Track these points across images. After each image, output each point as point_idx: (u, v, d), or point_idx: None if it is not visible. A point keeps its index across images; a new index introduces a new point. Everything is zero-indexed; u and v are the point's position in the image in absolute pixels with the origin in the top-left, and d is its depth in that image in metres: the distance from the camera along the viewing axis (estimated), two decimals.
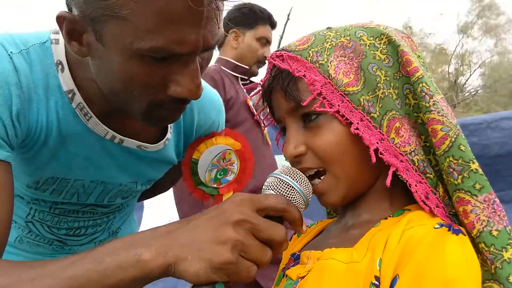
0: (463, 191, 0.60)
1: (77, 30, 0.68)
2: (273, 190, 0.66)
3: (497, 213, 0.60)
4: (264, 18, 2.17)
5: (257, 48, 2.16)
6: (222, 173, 1.04)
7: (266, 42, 2.19)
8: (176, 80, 0.69)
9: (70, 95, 0.78)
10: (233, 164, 1.05)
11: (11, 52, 0.73)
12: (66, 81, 0.78)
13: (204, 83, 0.99)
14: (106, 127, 0.82)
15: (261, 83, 0.76)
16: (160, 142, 0.92)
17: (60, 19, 0.68)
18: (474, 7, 21.45)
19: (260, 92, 0.77)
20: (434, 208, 0.63)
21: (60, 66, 0.78)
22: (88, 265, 0.59)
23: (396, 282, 0.55)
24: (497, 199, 0.61)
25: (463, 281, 0.53)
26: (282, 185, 0.65)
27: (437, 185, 0.65)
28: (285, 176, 0.66)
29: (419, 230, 0.59)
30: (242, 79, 2.21)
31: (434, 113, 0.63)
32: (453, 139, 0.62)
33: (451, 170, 0.61)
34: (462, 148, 0.61)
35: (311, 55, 0.68)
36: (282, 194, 0.65)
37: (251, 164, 1.04)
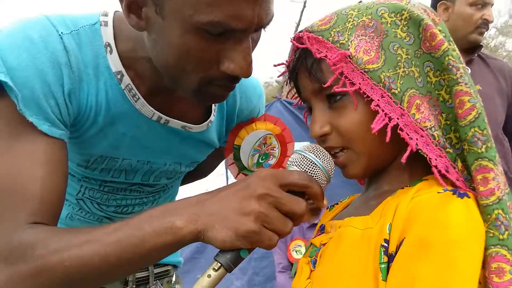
0: (487, 159, 0.62)
1: (137, 3, 0.72)
2: (297, 166, 0.70)
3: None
4: None
5: (472, 14, 1.97)
6: (264, 157, 1.08)
7: (483, 4, 1.98)
8: (229, 57, 0.72)
9: (119, 76, 0.83)
10: (274, 149, 1.08)
11: (61, 33, 0.78)
12: (114, 62, 0.83)
13: None
14: (153, 108, 0.88)
15: (287, 63, 0.78)
16: (204, 123, 0.97)
17: None
18: None
19: (287, 72, 0.80)
20: (455, 181, 0.64)
21: (108, 48, 0.82)
22: (128, 231, 0.66)
23: (402, 243, 0.58)
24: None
25: (466, 240, 0.55)
26: (305, 161, 0.69)
27: (456, 160, 0.66)
28: (308, 153, 0.70)
29: (425, 196, 0.61)
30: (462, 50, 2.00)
31: (462, 85, 0.64)
32: (479, 110, 0.63)
33: (476, 139, 0.62)
34: (486, 121, 0.63)
35: (333, 35, 0.70)
36: (305, 170, 0.69)
37: (291, 147, 1.07)
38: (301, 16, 5.24)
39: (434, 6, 2.03)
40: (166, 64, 0.77)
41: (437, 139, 0.66)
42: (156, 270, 1.16)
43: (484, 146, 0.62)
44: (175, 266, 1.25)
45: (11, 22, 0.79)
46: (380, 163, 0.73)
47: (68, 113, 0.80)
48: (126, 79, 0.84)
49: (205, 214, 0.64)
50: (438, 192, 0.61)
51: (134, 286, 1.10)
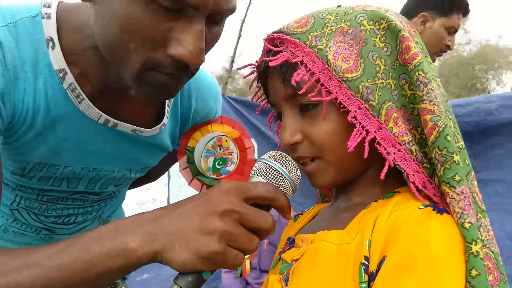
0: (444, 183, 0.60)
1: None
2: (261, 176, 0.65)
3: (472, 206, 0.59)
4: (461, 7, 1.98)
5: (444, 37, 1.99)
6: (221, 162, 1.02)
7: (454, 31, 2.02)
8: (178, 39, 0.63)
9: (61, 75, 0.74)
10: (232, 154, 1.02)
11: None
12: (57, 59, 0.74)
13: (201, 70, 0.96)
14: (99, 110, 0.79)
15: (256, 64, 0.73)
16: (156, 126, 0.89)
17: None
18: None
19: (254, 73, 0.74)
20: (432, 196, 0.63)
21: (51, 43, 0.73)
22: (74, 254, 0.58)
23: (384, 261, 0.56)
24: (476, 192, 0.62)
25: (448, 257, 0.54)
26: (271, 171, 0.64)
27: (433, 175, 0.64)
28: (274, 162, 0.65)
29: (404, 211, 0.59)
30: None
31: (426, 103, 0.62)
32: (440, 129, 0.61)
33: (436, 161, 0.61)
34: (448, 138, 0.60)
35: (310, 39, 0.66)
36: (270, 180, 0.64)
37: (251, 152, 1.02)
38: (246, 12, 5.20)
39: (413, 13, 2.02)
40: (109, 41, 0.66)
41: (414, 154, 0.64)
42: None
43: (442, 169, 0.60)
44: (124, 278, 1.16)
45: None
46: (351, 175, 0.70)
47: (1, 116, 0.70)
48: (69, 78, 0.75)
49: (162, 233, 0.58)
50: (419, 208, 0.59)
51: None
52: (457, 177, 0.59)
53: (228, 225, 0.57)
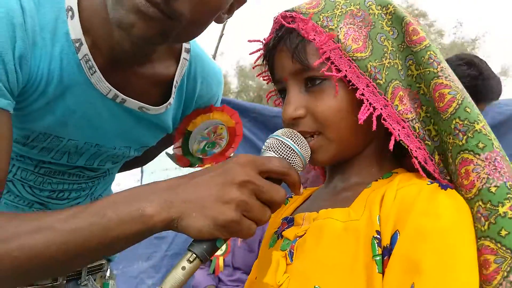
0: (467, 151, 0.63)
1: None
2: (273, 151, 0.67)
3: (498, 170, 0.62)
4: (492, 98, 1.93)
5: None
6: (210, 145, 1.05)
7: None
8: None
9: (77, 45, 0.75)
10: (223, 139, 1.05)
11: None
12: (75, 29, 0.75)
13: (205, 54, 0.99)
14: (109, 84, 0.80)
15: (264, 41, 0.76)
16: (163, 105, 0.90)
17: None
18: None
19: (261, 50, 0.77)
20: (432, 172, 0.66)
21: (70, 13, 0.75)
22: (89, 219, 0.59)
23: (397, 236, 0.58)
24: (499, 156, 0.63)
25: (459, 228, 0.58)
26: (283, 147, 0.67)
27: (434, 153, 0.68)
28: (287, 138, 0.67)
29: (412, 188, 0.62)
30: None
31: (442, 78, 0.65)
32: (459, 101, 0.64)
33: (457, 131, 0.64)
34: (468, 110, 0.64)
35: (322, 19, 0.69)
36: (282, 156, 0.66)
37: (239, 139, 1.06)
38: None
39: None
40: None
41: (417, 131, 0.68)
42: (90, 264, 1.06)
43: (464, 138, 0.63)
44: (109, 260, 1.15)
45: None
46: (349, 152, 0.72)
47: (16, 81, 0.70)
48: (85, 48, 0.76)
49: (179, 200, 0.59)
50: (427, 184, 0.63)
51: (65, 281, 1.00)
52: (480, 144, 0.62)
53: (245, 195, 0.59)
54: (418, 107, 0.69)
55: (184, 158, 1.05)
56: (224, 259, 2.67)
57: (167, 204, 0.59)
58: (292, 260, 0.68)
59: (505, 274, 0.57)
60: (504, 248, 0.58)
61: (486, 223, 0.60)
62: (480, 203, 0.61)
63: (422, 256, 0.55)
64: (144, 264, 3.27)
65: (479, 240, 0.60)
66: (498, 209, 0.59)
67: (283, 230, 0.74)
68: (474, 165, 0.62)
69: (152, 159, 1.30)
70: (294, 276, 0.65)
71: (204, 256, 0.60)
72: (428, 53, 0.67)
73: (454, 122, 0.64)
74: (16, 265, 0.58)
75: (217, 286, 2.66)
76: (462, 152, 0.63)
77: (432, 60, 0.66)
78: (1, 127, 0.68)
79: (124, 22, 0.67)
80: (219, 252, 2.66)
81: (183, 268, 0.59)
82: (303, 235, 0.69)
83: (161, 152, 1.26)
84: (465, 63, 1.88)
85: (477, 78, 1.87)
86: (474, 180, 0.61)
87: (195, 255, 0.60)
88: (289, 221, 0.75)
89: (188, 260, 0.60)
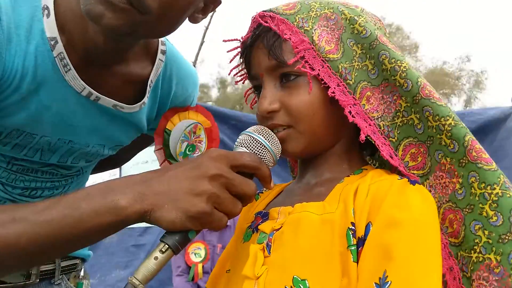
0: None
1: None
2: (245, 147, 0.70)
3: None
4: None
5: None
6: (191, 149, 1.06)
7: None
8: None
9: (52, 43, 0.77)
10: (201, 142, 1.06)
11: None
12: (50, 27, 0.76)
13: (180, 56, 1.01)
14: (84, 82, 0.81)
15: (241, 39, 0.79)
16: (137, 104, 0.91)
17: None
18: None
19: (238, 48, 0.80)
20: (398, 166, 0.71)
21: (46, 11, 0.76)
22: (63, 211, 0.60)
23: (370, 227, 0.62)
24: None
25: (426, 218, 0.63)
26: (254, 143, 0.70)
27: (397, 149, 0.72)
28: (258, 135, 0.71)
29: (384, 183, 0.67)
30: None
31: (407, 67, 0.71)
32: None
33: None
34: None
35: (297, 20, 0.73)
36: (253, 151, 0.69)
37: (216, 145, 1.07)
38: (210, 19, 5.30)
39: None
40: None
41: (382, 128, 0.72)
42: (63, 264, 1.06)
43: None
44: (83, 260, 1.15)
45: None
46: (319, 146, 0.76)
47: None
48: (59, 47, 0.77)
49: (152, 193, 0.61)
50: (398, 179, 0.67)
51: (38, 280, 0.99)
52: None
53: (216, 188, 0.61)
54: (398, 99, 0.72)
55: (167, 161, 1.05)
56: (203, 266, 2.66)
57: (140, 196, 0.61)
58: (270, 252, 0.70)
59: (465, 227, 0.65)
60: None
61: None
62: (503, 176, 0.65)
63: (393, 243, 0.59)
64: (121, 273, 3.25)
65: (443, 205, 0.68)
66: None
67: (259, 224, 0.76)
68: None
69: (128, 161, 1.30)
70: (273, 268, 0.67)
71: (176, 247, 0.62)
72: (405, 60, 0.72)
73: (451, 112, 0.68)
74: None
75: None
76: (469, 134, 0.68)
77: (410, 66, 0.71)
78: None
79: (93, 12, 0.68)
80: (198, 259, 2.66)
81: (156, 258, 0.61)
82: (280, 228, 0.71)
83: (136, 154, 1.27)
84: None
85: None
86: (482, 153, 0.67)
87: (167, 246, 0.62)
88: (263, 216, 0.78)
89: (161, 250, 0.62)
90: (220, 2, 0.84)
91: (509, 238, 0.61)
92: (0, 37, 0.71)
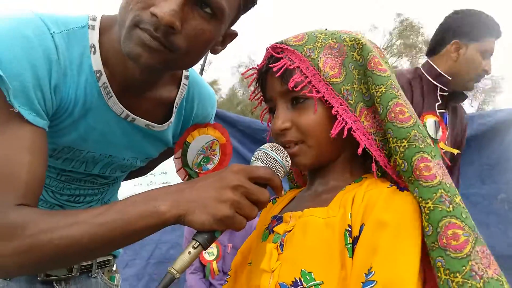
0: (426, 153, 0.76)
1: None
2: (260, 161, 0.82)
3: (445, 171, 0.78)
4: (492, 32, 1.98)
5: (480, 62, 1.99)
6: (205, 160, 1.19)
7: (490, 55, 2.00)
8: (160, 3, 0.79)
9: (98, 75, 0.90)
10: (215, 156, 1.20)
11: (53, 32, 0.84)
12: (96, 62, 0.90)
13: (202, 81, 1.17)
14: (122, 106, 0.95)
15: (257, 67, 0.92)
16: (165, 123, 1.06)
17: None
18: (398, 26, 21.33)
19: (255, 75, 0.93)
20: (392, 174, 0.81)
21: (93, 49, 0.90)
22: (114, 215, 0.74)
23: (363, 228, 0.73)
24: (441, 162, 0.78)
25: (409, 221, 0.72)
26: (268, 158, 0.82)
27: (389, 160, 0.83)
28: (271, 151, 0.83)
29: (376, 190, 0.77)
30: (441, 90, 2.07)
31: (401, 99, 0.80)
32: (415, 120, 0.80)
33: (416, 138, 0.77)
34: (421, 127, 0.80)
35: (305, 50, 0.85)
36: (267, 165, 0.82)
37: (229, 159, 1.21)
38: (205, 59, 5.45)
39: (444, 41, 2.05)
40: (120, 11, 0.84)
41: (377, 142, 0.83)
42: (99, 259, 1.19)
43: (423, 144, 0.76)
44: (115, 256, 1.29)
45: (0, 18, 0.82)
46: (326, 158, 0.87)
47: (51, 105, 0.85)
48: (104, 78, 0.91)
49: (185, 200, 0.74)
50: (387, 187, 0.78)
51: (78, 273, 1.12)
52: (433, 153, 0.76)
53: (237, 196, 0.74)
54: (380, 121, 0.82)
55: (183, 169, 1.18)
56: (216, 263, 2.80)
57: (176, 203, 0.73)
58: (282, 250, 0.82)
59: (473, 245, 0.69)
60: (467, 227, 0.71)
61: (450, 206, 0.71)
62: (443, 191, 0.72)
63: (379, 241, 0.70)
64: (125, 271, 3.35)
65: (445, 218, 0.71)
66: (455, 199, 0.73)
67: (274, 226, 0.88)
68: (433, 164, 0.75)
69: (153, 169, 1.44)
70: (285, 263, 0.80)
71: (205, 244, 0.75)
72: (390, 81, 0.81)
73: (413, 132, 0.76)
74: (56, 251, 0.72)
75: None
76: (421, 152, 0.75)
77: (393, 86, 0.81)
78: (41, 141, 0.82)
79: (132, 53, 0.81)
80: (211, 258, 2.79)
81: (189, 252, 0.74)
82: (291, 230, 0.83)
83: (160, 163, 1.41)
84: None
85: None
86: (435, 174, 0.74)
87: (198, 243, 0.75)
88: (278, 219, 0.89)
89: (193, 246, 0.75)
90: (236, 35, 0.97)
91: (436, 246, 0.70)
92: (58, 73, 0.85)
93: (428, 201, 0.72)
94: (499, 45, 2.05)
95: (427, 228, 0.72)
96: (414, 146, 0.76)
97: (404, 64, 21.60)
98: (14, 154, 0.77)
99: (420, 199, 0.74)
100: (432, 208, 0.72)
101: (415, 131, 0.77)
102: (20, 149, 0.78)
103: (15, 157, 0.77)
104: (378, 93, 0.81)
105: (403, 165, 0.77)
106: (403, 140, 0.77)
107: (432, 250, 0.71)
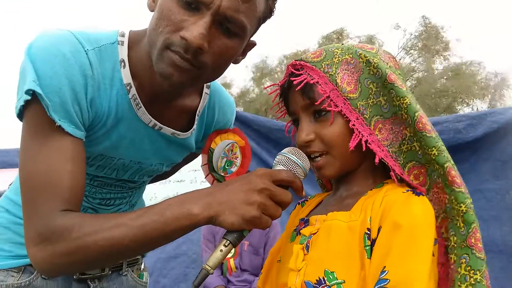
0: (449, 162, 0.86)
1: None
2: (282, 165, 0.89)
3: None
4: None
5: None
6: (229, 164, 1.26)
7: None
8: (189, 27, 0.85)
9: (128, 88, 0.97)
10: (237, 158, 1.27)
11: (87, 49, 0.91)
12: (126, 75, 0.97)
13: (222, 89, 1.23)
14: (150, 116, 1.02)
15: (280, 83, 0.99)
16: (189, 131, 1.13)
17: None
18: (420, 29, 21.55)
19: (278, 90, 1.00)
20: (409, 181, 0.88)
21: (123, 63, 0.97)
22: (152, 217, 0.82)
23: (380, 230, 0.80)
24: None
25: (423, 224, 0.78)
26: (289, 162, 0.89)
27: (404, 167, 0.90)
28: (291, 155, 0.90)
29: (393, 195, 0.84)
30: None
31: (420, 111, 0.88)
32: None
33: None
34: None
35: (323, 66, 0.92)
36: (289, 168, 0.89)
37: (248, 161, 1.28)
38: None
39: None
40: (149, 30, 0.91)
41: (391, 153, 0.90)
42: (128, 258, 1.27)
43: (448, 155, 0.85)
44: (143, 256, 1.36)
45: (39, 36, 0.90)
46: (349, 167, 0.94)
47: (88, 117, 0.93)
48: (133, 90, 0.98)
49: (216, 203, 0.81)
50: (403, 192, 0.84)
51: (110, 272, 1.20)
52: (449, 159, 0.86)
53: (263, 198, 0.80)
54: (404, 129, 0.89)
55: (210, 174, 1.26)
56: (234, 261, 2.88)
57: (208, 205, 0.81)
58: (308, 251, 0.89)
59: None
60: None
61: (474, 213, 0.83)
62: (469, 199, 0.83)
63: (393, 242, 0.76)
64: None
65: (474, 223, 0.82)
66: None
67: (301, 229, 0.95)
68: (456, 172, 0.84)
69: (174, 173, 1.51)
70: (310, 263, 0.87)
71: (235, 242, 0.83)
72: (410, 95, 0.88)
73: (440, 143, 0.85)
74: (101, 252, 0.80)
75: (226, 286, 2.87)
76: (449, 162, 0.84)
77: (414, 100, 0.88)
78: (80, 151, 0.90)
79: (165, 73, 0.89)
80: (229, 255, 2.86)
81: (221, 250, 0.82)
82: (316, 232, 0.90)
83: (182, 167, 1.48)
84: None
85: None
86: (462, 182, 0.84)
87: (229, 241, 0.82)
88: (305, 222, 0.97)
89: (224, 245, 0.82)
90: (255, 44, 1.04)
91: (464, 245, 0.81)
92: (93, 87, 0.92)
93: (461, 204, 0.82)
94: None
95: (462, 229, 0.82)
96: (444, 155, 0.84)
97: (419, 65, 21.83)
98: (58, 164, 0.86)
99: (455, 201, 0.82)
100: (465, 211, 0.82)
101: (440, 143, 0.85)
102: (63, 159, 0.86)
103: (59, 167, 0.85)
104: (404, 104, 0.87)
105: (439, 170, 0.85)
106: (433, 149, 0.84)
107: (460, 248, 0.81)
